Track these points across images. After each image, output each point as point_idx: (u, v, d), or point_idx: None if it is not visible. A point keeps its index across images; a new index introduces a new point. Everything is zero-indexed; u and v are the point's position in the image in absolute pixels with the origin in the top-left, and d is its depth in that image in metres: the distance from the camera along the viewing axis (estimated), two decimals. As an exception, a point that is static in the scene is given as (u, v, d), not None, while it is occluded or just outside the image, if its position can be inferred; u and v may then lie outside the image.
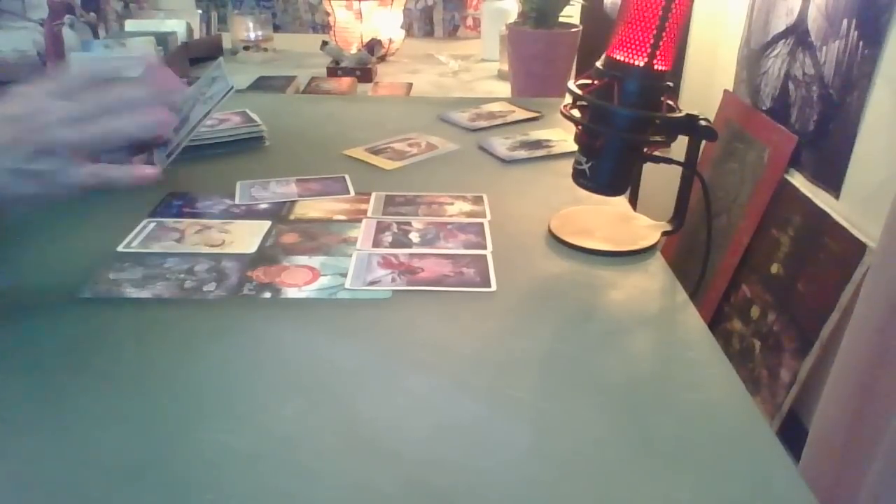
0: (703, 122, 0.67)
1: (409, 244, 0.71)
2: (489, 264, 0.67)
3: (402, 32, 2.05)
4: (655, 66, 0.64)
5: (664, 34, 0.63)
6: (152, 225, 0.74)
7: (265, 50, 2.00)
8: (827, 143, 1.05)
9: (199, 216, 0.76)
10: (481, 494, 0.42)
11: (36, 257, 0.68)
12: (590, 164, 0.70)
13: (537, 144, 1.00)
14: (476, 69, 1.90)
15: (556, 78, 1.42)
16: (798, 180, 1.12)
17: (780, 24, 1.19)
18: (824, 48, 1.05)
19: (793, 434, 0.99)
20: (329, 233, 0.73)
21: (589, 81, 0.68)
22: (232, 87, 0.84)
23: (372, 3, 1.90)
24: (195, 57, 1.85)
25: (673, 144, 0.69)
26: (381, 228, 0.74)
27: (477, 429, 0.47)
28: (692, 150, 0.71)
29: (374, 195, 0.82)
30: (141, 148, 0.58)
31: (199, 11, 2.02)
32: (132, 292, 0.61)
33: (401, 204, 0.80)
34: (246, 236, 0.72)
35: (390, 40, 1.97)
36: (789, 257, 1.09)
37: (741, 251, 1.21)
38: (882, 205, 0.85)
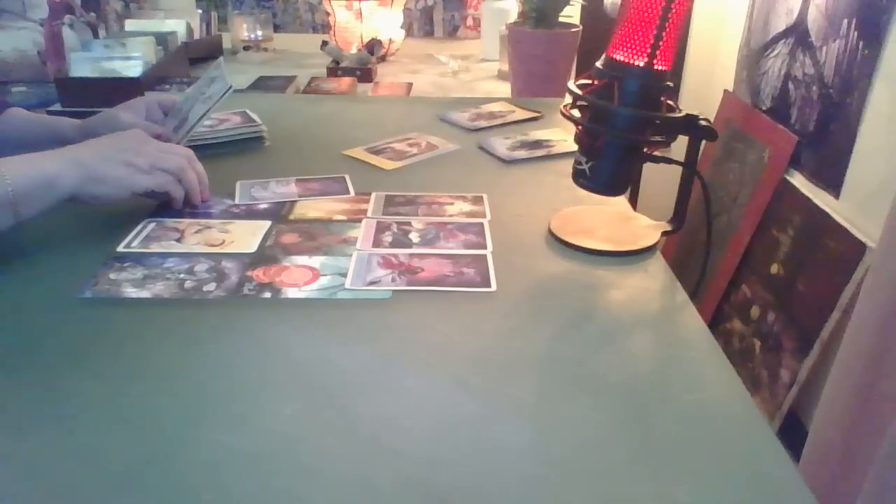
0: (703, 122, 0.67)
1: (409, 244, 0.71)
2: (489, 264, 0.67)
3: (402, 32, 2.05)
4: (655, 66, 0.64)
5: (664, 34, 0.63)
6: (152, 225, 0.74)
7: (265, 50, 2.00)
8: (827, 143, 1.04)
9: (199, 216, 0.76)
10: (481, 494, 0.42)
11: (36, 257, 0.68)
12: (590, 164, 0.70)
13: (537, 144, 1.00)
14: (476, 69, 1.90)
15: (556, 78, 1.42)
16: (798, 180, 1.12)
17: (780, 24, 1.19)
18: (824, 48, 1.05)
19: (793, 434, 0.99)
20: (329, 233, 0.73)
21: (589, 81, 0.68)
22: (231, 87, 0.84)
23: (372, 3, 1.90)
24: (195, 57, 1.85)
25: (673, 144, 0.69)
26: (381, 228, 0.74)
27: (477, 428, 0.47)
28: (692, 150, 0.71)
29: (374, 195, 0.82)
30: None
31: (199, 11, 2.02)
32: (132, 292, 0.61)
33: (401, 204, 0.80)
34: (246, 236, 0.72)
35: (390, 40, 1.97)
36: (789, 257, 1.09)
37: (741, 251, 1.21)
38: (882, 205, 0.85)
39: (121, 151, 0.70)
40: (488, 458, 0.44)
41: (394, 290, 0.62)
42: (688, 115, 0.67)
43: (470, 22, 2.36)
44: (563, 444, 0.46)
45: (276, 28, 2.34)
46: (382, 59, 1.95)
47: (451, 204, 0.80)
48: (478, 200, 0.81)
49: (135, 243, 0.70)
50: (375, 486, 0.42)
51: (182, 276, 0.64)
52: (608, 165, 0.70)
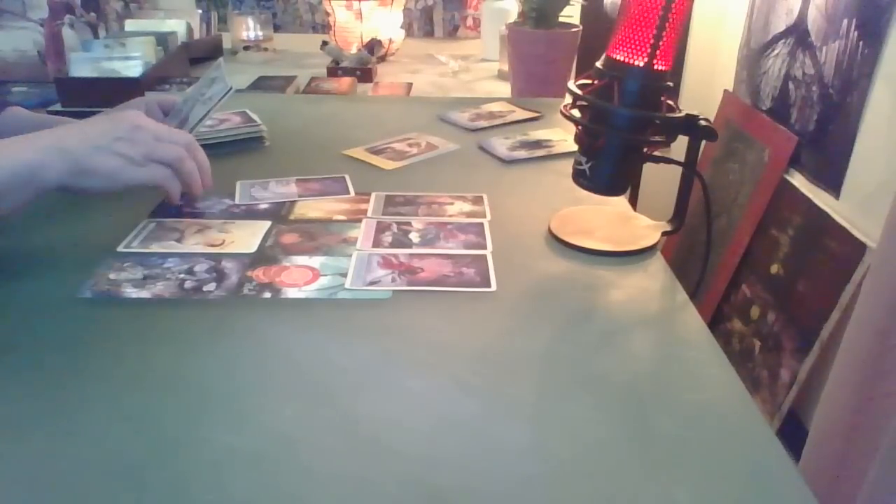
0: (703, 122, 0.67)
1: (409, 244, 0.71)
2: (489, 264, 0.67)
3: (402, 32, 2.05)
4: (655, 66, 0.64)
5: (664, 34, 0.63)
6: (152, 225, 0.74)
7: (265, 50, 2.00)
8: (827, 143, 1.04)
9: (199, 216, 0.76)
10: (481, 493, 0.42)
11: (36, 257, 0.68)
12: (590, 164, 0.70)
13: (537, 144, 1.00)
14: (476, 69, 1.90)
15: (556, 78, 1.42)
16: (798, 180, 1.12)
17: (780, 24, 1.19)
18: (824, 48, 1.05)
19: (793, 434, 0.99)
20: (329, 233, 0.73)
21: (589, 81, 0.68)
22: (231, 89, 0.84)
23: (372, 3, 1.90)
24: (195, 57, 1.85)
25: (673, 144, 0.69)
26: (381, 228, 0.74)
27: (477, 428, 0.47)
28: (692, 150, 0.71)
29: (374, 195, 0.82)
30: None
31: (199, 11, 2.02)
32: (132, 292, 0.61)
33: (401, 204, 0.80)
34: (246, 236, 0.72)
35: (390, 40, 1.97)
36: (789, 257, 1.09)
37: (741, 251, 1.21)
38: (882, 205, 0.85)
39: (114, 140, 0.64)
40: (488, 458, 0.44)
41: (394, 290, 0.62)
42: (688, 115, 0.67)
43: (470, 22, 2.35)
44: (563, 444, 0.46)
45: (276, 28, 2.34)
46: (382, 59, 1.95)
47: (451, 204, 0.80)
48: (478, 200, 0.81)
49: (135, 243, 0.70)
50: (375, 486, 0.42)
51: (182, 276, 0.64)
52: (608, 165, 0.70)
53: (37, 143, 0.61)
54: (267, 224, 0.75)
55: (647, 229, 0.75)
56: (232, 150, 0.97)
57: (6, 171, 0.58)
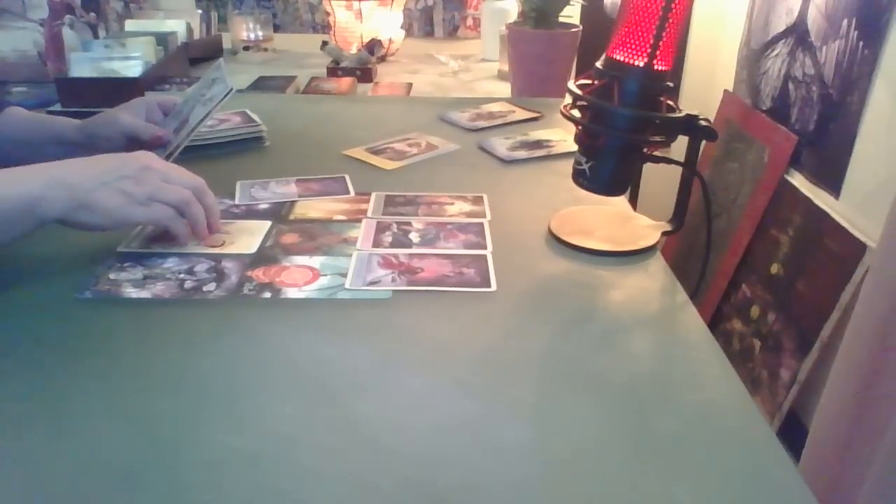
0: (702, 122, 0.67)
1: (409, 244, 0.71)
2: (489, 264, 0.67)
3: (402, 32, 2.05)
4: (655, 66, 0.64)
5: (664, 34, 0.63)
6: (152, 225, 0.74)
7: (265, 50, 2.00)
8: (827, 143, 1.05)
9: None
10: (481, 493, 0.42)
11: (36, 257, 0.68)
12: (590, 165, 0.70)
13: (537, 144, 1.00)
14: (476, 69, 1.90)
15: (556, 78, 1.42)
16: (798, 180, 1.12)
17: (780, 24, 1.19)
18: (824, 48, 1.05)
19: (793, 434, 0.99)
20: (329, 233, 0.73)
21: (589, 81, 0.68)
22: (232, 89, 0.84)
23: (372, 3, 1.90)
24: (195, 57, 1.85)
25: (673, 144, 0.69)
26: (381, 228, 0.74)
27: (477, 428, 0.47)
28: (692, 150, 0.71)
29: (374, 195, 0.82)
30: None
31: (199, 11, 2.02)
32: (132, 292, 0.61)
33: (401, 204, 0.80)
34: (246, 236, 0.72)
35: (390, 40, 1.97)
36: (789, 257, 1.09)
37: (741, 251, 1.21)
38: (882, 205, 0.86)
39: (119, 177, 0.62)
40: (488, 458, 0.44)
41: (394, 290, 0.62)
42: (688, 115, 0.67)
43: (470, 22, 2.35)
44: (563, 444, 0.46)
45: (276, 28, 2.34)
46: (382, 59, 1.95)
47: (451, 204, 0.80)
48: (478, 200, 0.81)
49: (135, 243, 0.70)
50: (375, 486, 0.42)
51: (182, 276, 0.64)
52: (608, 165, 0.70)
53: (41, 175, 0.60)
54: (267, 224, 0.75)
55: (647, 229, 0.75)
56: (232, 150, 0.97)
57: (8, 202, 0.58)
